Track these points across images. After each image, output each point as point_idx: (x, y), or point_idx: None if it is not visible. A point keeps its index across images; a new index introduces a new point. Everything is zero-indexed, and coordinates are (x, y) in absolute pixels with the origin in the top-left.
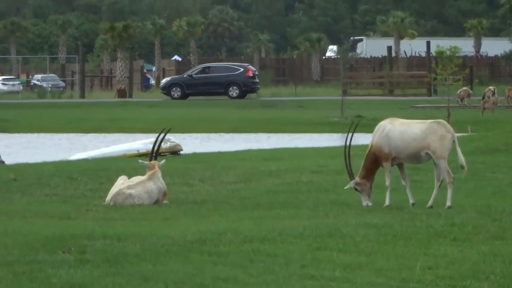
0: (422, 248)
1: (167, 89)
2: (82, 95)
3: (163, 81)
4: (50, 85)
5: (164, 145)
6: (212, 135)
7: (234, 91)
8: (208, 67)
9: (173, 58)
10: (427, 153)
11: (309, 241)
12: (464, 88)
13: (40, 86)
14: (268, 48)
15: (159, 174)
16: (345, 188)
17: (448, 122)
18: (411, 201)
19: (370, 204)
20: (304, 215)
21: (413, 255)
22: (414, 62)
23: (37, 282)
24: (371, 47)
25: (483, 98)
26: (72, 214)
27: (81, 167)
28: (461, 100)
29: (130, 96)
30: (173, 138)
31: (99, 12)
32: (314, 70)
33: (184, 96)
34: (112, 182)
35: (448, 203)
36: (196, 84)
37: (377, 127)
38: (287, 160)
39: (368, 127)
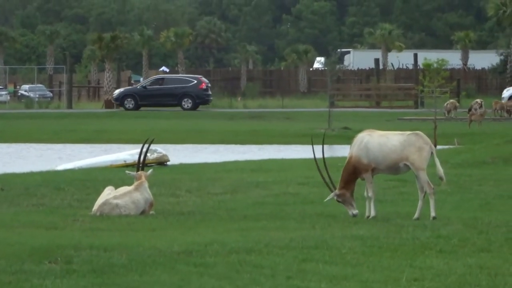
0: (408, 260)
1: (120, 100)
2: (70, 106)
3: (116, 91)
4: (37, 96)
5: (150, 156)
6: (200, 146)
7: (187, 103)
8: (162, 78)
9: (161, 69)
10: (405, 165)
11: (295, 253)
12: (451, 100)
13: (28, 97)
14: (255, 59)
15: (146, 184)
16: (324, 200)
17: (434, 134)
18: (369, 214)
19: (355, 212)
20: (290, 227)
21: (399, 267)
22: (401, 74)
23: None
24: (358, 59)
25: (470, 110)
26: (59, 224)
27: (68, 178)
28: (448, 112)
29: (118, 106)
30: (160, 149)
31: (87, 23)
32: (301, 82)
33: (137, 107)
34: (99, 192)
35: (433, 214)
36: (150, 95)
37: (355, 138)
38: (274, 171)
39: None
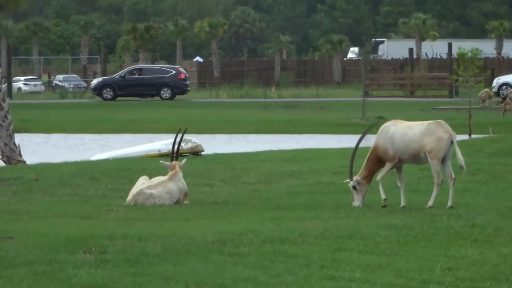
0: (442, 250)
1: (98, 90)
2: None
3: (94, 81)
4: (72, 86)
5: (185, 146)
6: (234, 136)
7: (166, 93)
8: (140, 68)
9: (195, 59)
10: (425, 154)
11: (330, 242)
12: (485, 90)
13: (62, 87)
14: (289, 49)
15: (180, 174)
16: (344, 181)
17: (469, 123)
18: (402, 203)
19: (360, 205)
20: (324, 216)
21: (434, 256)
22: (435, 64)
23: (58, 282)
24: (392, 48)
25: (504, 99)
26: (93, 214)
27: (103, 168)
28: (483, 102)
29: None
30: (194, 139)
31: (121, 13)
32: (335, 72)
33: (115, 97)
34: (133, 182)
35: (430, 203)
36: (128, 85)
37: (380, 128)
38: (308, 161)
39: None
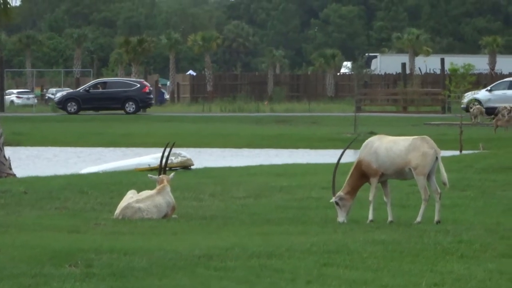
0: (429, 265)
1: (62, 104)
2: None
3: (58, 95)
4: None
5: (175, 160)
6: (226, 150)
7: (130, 107)
8: (105, 82)
9: (188, 72)
10: (410, 169)
11: (316, 257)
12: (478, 106)
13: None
14: (283, 64)
15: (168, 188)
16: (330, 201)
17: (460, 139)
18: (390, 218)
19: (345, 221)
20: (312, 231)
21: (420, 272)
22: (428, 79)
23: None
24: (385, 63)
25: (496, 115)
26: (81, 228)
27: (92, 181)
28: (475, 117)
29: (144, 110)
30: (184, 153)
31: (115, 27)
32: (328, 87)
33: (79, 111)
34: (122, 196)
35: (418, 219)
36: (93, 99)
37: (364, 143)
38: (298, 176)
39: None
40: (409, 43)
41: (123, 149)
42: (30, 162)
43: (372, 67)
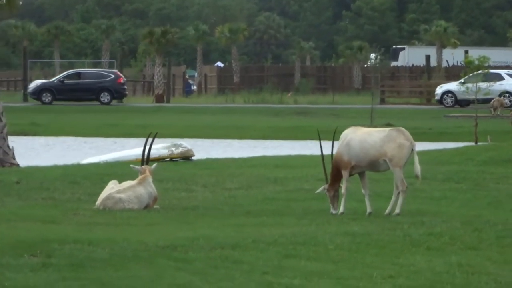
0: (392, 257)
1: (37, 94)
2: (120, 100)
3: (32, 85)
4: None
5: (175, 150)
6: (241, 142)
7: (105, 97)
8: (79, 73)
9: (216, 64)
10: (385, 161)
11: (281, 249)
12: (497, 98)
13: None
14: (313, 55)
15: (150, 179)
16: (315, 192)
17: (475, 131)
18: (368, 210)
19: (334, 211)
20: (288, 223)
21: (380, 264)
22: (455, 71)
23: None
24: (413, 56)
25: None
26: (58, 218)
27: (88, 172)
28: (494, 110)
29: (168, 101)
30: (185, 144)
31: (147, 18)
32: (355, 79)
33: (53, 102)
34: None
35: (397, 211)
36: (67, 89)
37: (341, 135)
38: (298, 167)
39: None
40: (437, 35)
41: (139, 139)
42: (39, 152)
43: (400, 59)
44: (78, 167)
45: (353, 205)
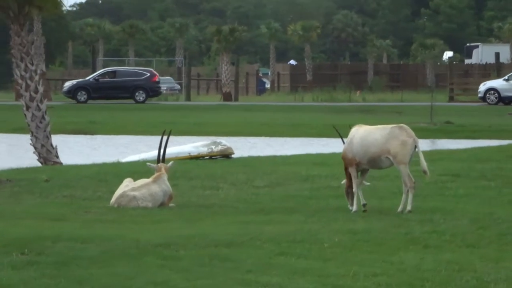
0: (386, 255)
1: (72, 93)
2: (188, 98)
3: (68, 84)
4: (165, 88)
5: (215, 148)
6: (296, 140)
7: (140, 96)
8: (114, 71)
9: (289, 62)
10: (387, 158)
11: (275, 247)
12: None
13: None
14: (391, 53)
15: (165, 176)
16: (341, 183)
17: None
18: (362, 201)
19: (353, 209)
20: (294, 220)
21: (370, 261)
22: None
23: None
24: (486, 53)
25: None
26: (68, 216)
27: (122, 170)
28: None
29: (236, 99)
30: (224, 142)
31: (224, 16)
32: (428, 76)
33: (88, 100)
34: None
35: (409, 208)
36: (102, 88)
37: (349, 134)
38: (335, 165)
39: (456, 133)
40: (510, 32)
41: (195, 137)
42: (97, 150)
43: (473, 57)
44: (114, 165)
45: (373, 202)
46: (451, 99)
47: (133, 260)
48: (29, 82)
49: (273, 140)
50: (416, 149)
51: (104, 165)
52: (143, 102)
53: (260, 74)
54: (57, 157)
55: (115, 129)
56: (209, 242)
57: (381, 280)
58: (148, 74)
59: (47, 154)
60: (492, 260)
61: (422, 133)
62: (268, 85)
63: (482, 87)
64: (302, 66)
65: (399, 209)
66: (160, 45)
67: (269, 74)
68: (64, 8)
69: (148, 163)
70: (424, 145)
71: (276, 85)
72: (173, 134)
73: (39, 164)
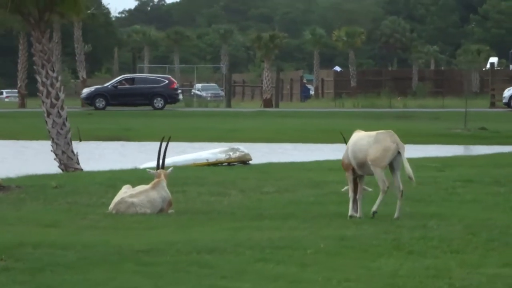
0: (367, 261)
1: (91, 100)
2: (229, 105)
3: (86, 90)
4: (209, 95)
5: (233, 155)
6: (319, 146)
7: (159, 103)
8: (133, 78)
9: (334, 68)
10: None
11: (257, 253)
12: None
13: (200, 96)
14: (439, 59)
15: (164, 183)
16: (341, 190)
17: None
18: (359, 214)
19: (353, 215)
20: (286, 227)
21: (348, 268)
22: None
23: None
24: None
25: None
26: (62, 223)
27: (135, 176)
28: None
29: (276, 106)
30: (242, 148)
31: (272, 22)
32: (474, 82)
33: (106, 107)
34: None
35: (374, 209)
36: (120, 95)
37: None
38: None
39: (488, 139)
40: None
41: (226, 143)
42: (114, 156)
43: None
44: (129, 171)
45: (379, 208)
46: (492, 105)
47: (109, 266)
48: (50, 88)
49: (303, 146)
50: (400, 156)
51: (118, 171)
52: (161, 109)
53: (305, 81)
54: (78, 163)
55: (149, 135)
56: (192, 248)
57: (352, 286)
58: (167, 81)
59: (67, 160)
60: (472, 266)
61: (455, 139)
62: (312, 92)
63: (507, 92)
64: (347, 72)
65: (395, 215)
66: (207, 52)
67: (314, 80)
68: (112, 15)
69: (148, 169)
70: (458, 150)
71: (320, 91)
72: (205, 140)
73: (60, 171)
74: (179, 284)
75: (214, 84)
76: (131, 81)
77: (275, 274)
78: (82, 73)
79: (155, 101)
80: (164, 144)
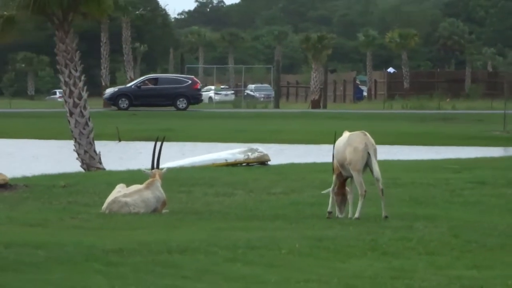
0: (337, 262)
1: (114, 100)
2: (277, 106)
3: (109, 90)
4: (262, 95)
5: (251, 155)
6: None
7: (182, 103)
8: (156, 78)
9: (388, 70)
10: (348, 165)
11: (229, 253)
12: None
13: (253, 96)
14: (496, 61)
15: (158, 183)
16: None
17: None
18: (357, 215)
19: (339, 215)
20: (271, 227)
21: (316, 268)
22: None
23: None
24: None
25: None
26: (50, 222)
27: (147, 176)
28: None
29: (324, 107)
30: (261, 149)
31: (331, 24)
32: None
33: (130, 107)
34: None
35: (357, 215)
36: (144, 95)
37: None
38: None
39: None
40: None
41: (264, 144)
42: (144, 156)
43: None
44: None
45: (372, 210)
46: None
47: (73, 266)
48: (72, 88)
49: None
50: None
51: (135, 172)
52: (184, 109)
53: (358, 82)
54: (100, 163)
55: (190, 136)
56: (164, 248)
57: (309, 286)
58: (190, 82)
59: (90, 160)
60: (439, 267)
61: (492, 141)
62: (365, 93)
63: None
64: (400, 73)
65: (383, 215)
66: (264, 53)
67: (367, 81)
68: (171, 16)
69: (143, 170)
70: (495, 152)
71: (373, 92)
72: (242, 141)
73: (82, 170)
74: (137, 285)
75: (267, 85)
76: (155, 81)
77: (237, 274)
78: (130, 73)
79: (178, 101)
80: (158, 144)
